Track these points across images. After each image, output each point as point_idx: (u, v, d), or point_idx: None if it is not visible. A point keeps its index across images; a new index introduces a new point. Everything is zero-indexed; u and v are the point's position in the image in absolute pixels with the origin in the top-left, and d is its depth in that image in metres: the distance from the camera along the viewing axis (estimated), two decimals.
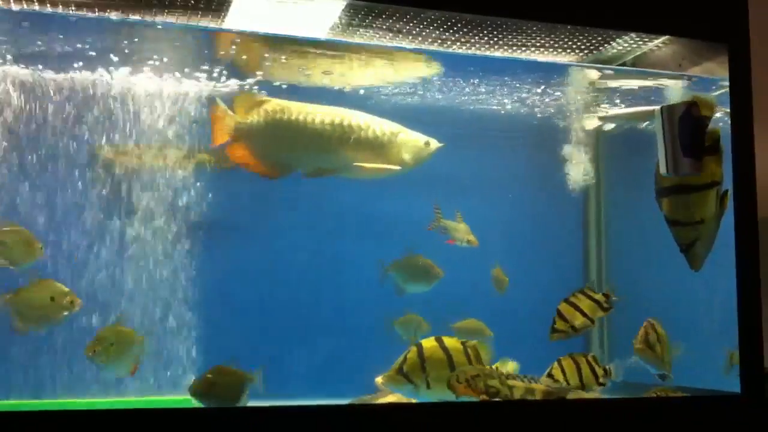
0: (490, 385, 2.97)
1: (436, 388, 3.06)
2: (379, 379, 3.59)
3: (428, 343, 3.14)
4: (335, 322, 3.90)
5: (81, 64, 3.56)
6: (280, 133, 3.55)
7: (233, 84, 3.71)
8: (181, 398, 3.60)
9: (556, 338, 3.20)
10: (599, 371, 3.13)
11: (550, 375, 3.12)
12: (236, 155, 3.54)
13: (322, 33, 3.10)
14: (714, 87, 3.34)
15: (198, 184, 3.82)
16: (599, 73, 3.62)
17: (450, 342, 3.16)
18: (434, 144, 3.74)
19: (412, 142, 3.70)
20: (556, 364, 3.14)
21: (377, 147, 3.64)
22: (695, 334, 3.75)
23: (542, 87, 3.88)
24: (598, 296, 3.25)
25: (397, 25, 3.01)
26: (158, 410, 2.55)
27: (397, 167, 3.67)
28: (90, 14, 2.89)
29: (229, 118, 3.51)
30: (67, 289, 3.20)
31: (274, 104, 3.57)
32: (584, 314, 3.21)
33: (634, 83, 3.76)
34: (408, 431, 2.55)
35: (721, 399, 2.99)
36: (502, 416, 2.66)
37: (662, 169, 2.88)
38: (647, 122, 3.95)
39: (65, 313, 3.18)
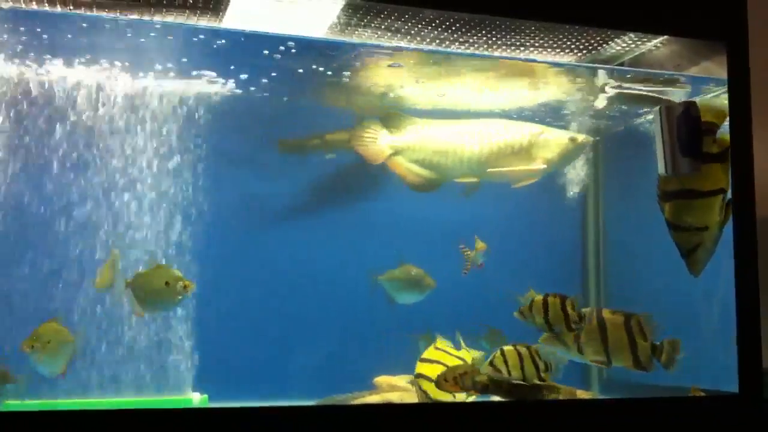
0: (477, 381, 2.97)
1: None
2: (379, 380, 3.62)
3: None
4: (336, 322, 3.90)
5: None
6: (429, 149, 3.80)
7: None
8: (179, 398, 3.63)
9: (517, 316, 3.14)
10: (541, 365, 3.07)
11: (492, 364, 3.07)
12: (395, 170, 3.83)
13: (321, 32, 3.11)
14: (712, 83, 3.34)
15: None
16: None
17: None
18: (580, 138, 3.77)
19: (556, 140, 3.78)
20: (498, 353, 3.05)
21: (521, 150, 3.78)
22: (695, 335, 3.75)
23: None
24: (573, 313, 3.07)
25: (396, 25, 3.01)
26: (155, 410, 2.55)
27: (543, 167, 3.78)
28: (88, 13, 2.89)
29: (382, 138, 3.78)
30: (180, 274, 3.23)
31: (420, 122, 3.84)
32: (547, 320, 3.14)
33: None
34: (406, 430, 2.54)
35: (719, 399, 2.98)
36: (500, 417, 2.66)
37: (661, 169, 2.88)
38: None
39: (179, 298, 3.21)
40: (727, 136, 2.90)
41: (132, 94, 3.70)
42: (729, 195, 2.89)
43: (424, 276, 3.74)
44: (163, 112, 3.75)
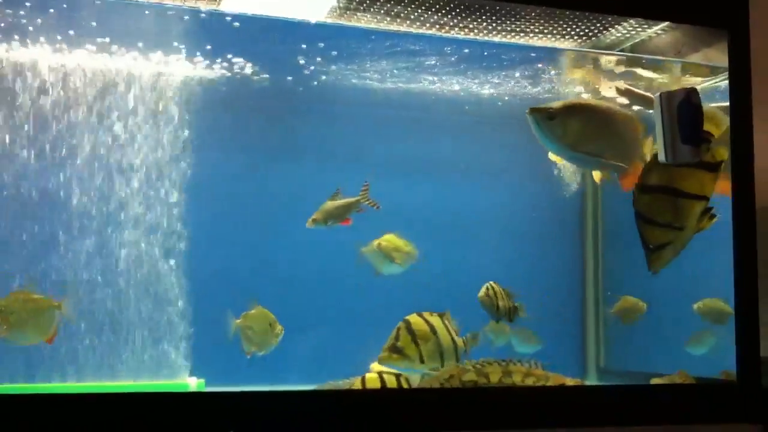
0: (465, 380, 2.95)
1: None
2: (375, 364, 3.61)
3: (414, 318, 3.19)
4: (331, 308, 3.89)
5: None
6: None
7: None
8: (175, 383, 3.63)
9: (483, 298, 3.33)
10: (404, 383, 3.04)
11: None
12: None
13: (320, 16, 3.09)
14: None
15: None
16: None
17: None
18: None
19: None
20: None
21: None
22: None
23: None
24: (511, 303, 3.32)
25: (396, 9, 2.99)
26: (151, 394, 2.55)
27: None
28: None
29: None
30: (274, 317, 3.36)
31: None
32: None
33: None
34: (398, 415, 2.54)
35: (718, 387, 2.99)
36: (491, 402, 2.66)
37: (661, 157, 2.86)
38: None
39: (276, 340, 3.34)
40: (725, 151, 2.89)
41: None
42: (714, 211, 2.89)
43: (406, 244, 3.71)
44: None
